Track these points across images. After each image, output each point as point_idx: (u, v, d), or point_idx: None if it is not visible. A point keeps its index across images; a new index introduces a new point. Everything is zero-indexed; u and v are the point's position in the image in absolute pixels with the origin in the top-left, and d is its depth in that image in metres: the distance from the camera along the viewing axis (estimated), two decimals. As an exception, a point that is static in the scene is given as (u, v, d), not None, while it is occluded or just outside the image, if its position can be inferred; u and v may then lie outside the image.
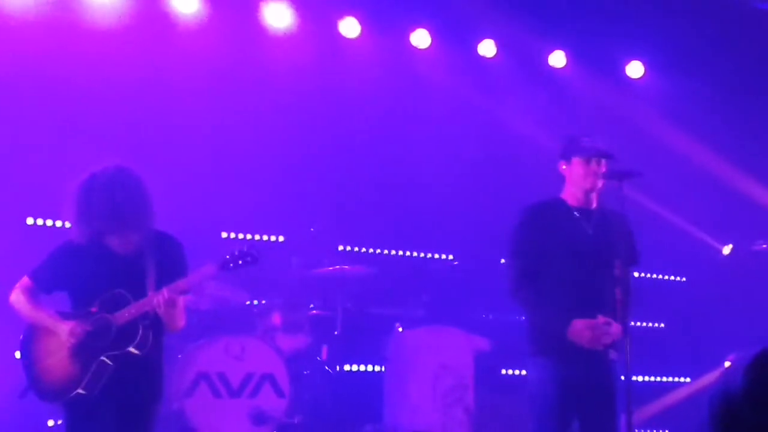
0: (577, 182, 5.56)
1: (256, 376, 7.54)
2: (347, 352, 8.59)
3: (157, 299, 5.09)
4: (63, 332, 5.17)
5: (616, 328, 5.30)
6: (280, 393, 7.56)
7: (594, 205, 5.61)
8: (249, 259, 5.30)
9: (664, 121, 9.89)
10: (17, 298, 5.33)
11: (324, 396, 8.08)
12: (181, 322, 5.27)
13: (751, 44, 9.59)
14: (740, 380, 1.59)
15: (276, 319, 8.00)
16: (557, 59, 9.92)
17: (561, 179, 5.68)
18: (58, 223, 7.96)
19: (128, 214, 5.18)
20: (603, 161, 5.54)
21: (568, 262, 5.42)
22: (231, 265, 5.29)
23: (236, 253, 5.30)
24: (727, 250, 10.58)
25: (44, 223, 8.00)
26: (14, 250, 7.25)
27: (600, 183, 5.52)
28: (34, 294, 5.32)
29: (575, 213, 5.57)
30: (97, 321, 5.16)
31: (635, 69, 10.23)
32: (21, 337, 5.33)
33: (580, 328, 5.29)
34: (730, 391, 1.60)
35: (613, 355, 5.36)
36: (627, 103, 9.89)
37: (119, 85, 8.11)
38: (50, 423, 7.40)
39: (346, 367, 8.88)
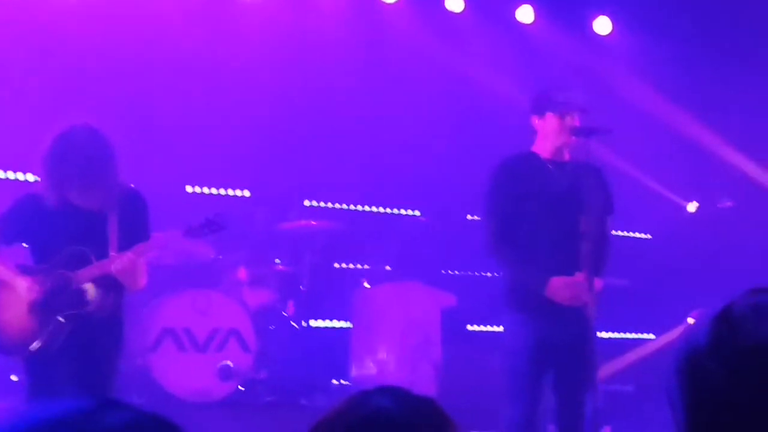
0: (551, 137, 5.53)
1: (222, 331, 7.52)
2: (313, 308, 8.59)
3: (119, 263, 5.05)
4: (21, 288, 5.12)
5: (597, 283, 5.33)
6: (246, 348, 7.55)
7: (566, 158, 5.59)
8: (215, 227, 5.30)
9: (632, 77, 9.88)
10: (-24, 249, 5.27)
11: (290, 351, 8.08)
12: (142, 281, 5.24)
13: None
14: (704, 333, 1.58)
15: (241, 273, 7.97)
16: (525, 14, 9.87)
17: (531, 133, 5.65)
18: (20, 176, 7.87)
19: (96, 171, 5.15)
20: (577, 115, 5.52)
21: (543, 215, 5.42)
22: (196, 233, 5.28)
23: (203, 221, 5.29)
24: (692, 207, 10.64)
25: (6, 176, 7.90)
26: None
27: (573, 138, 5.50)
28: (-7, 245, 5.27)
29: (548, 166, 5.56)
30: (57, 278, 5.11)
31: (603, 25, 10.20)
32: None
33: (558, 286, 5.29)
34: (694, 345, 1.60)
35: (591, 311, 5.38)
36: (595, 60, 9.87)
37: (83, 37, 7.98)
38: (14, 378, 7.35)
39: (312, 323, 8.88)
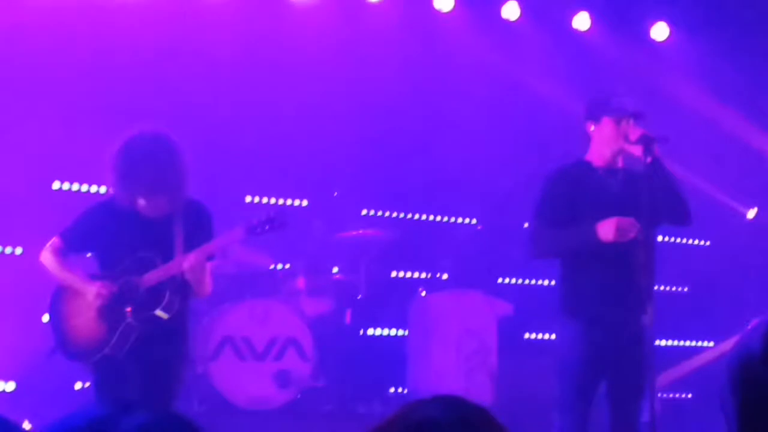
0: (607, 142, 5.50)
1: (280, 340, 7.59)
2: (370, 316, 8.63)
3: (186, 263, 5.13)
4: (90, 293, 5.23)
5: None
6: (304, 357, 7.61)
7: (620, 164, 5.57)
8: (276, 224, 5.34)
9: (690, 83, 9.81)
10: (47, 258, 5.38)
11: (348, 360, 8.13)
12: (208, 287, 5.31)
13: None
14: (758, 341, 1.60)
15: (300, 283, 8.04)
16: (581, 21, 9.84)
17: (586, 141, 5.63)
18: (84, 188, 8.02)
19: (167, 178, 5.22)
20: (632, 121, 5.48)
21: (593, 224, 5.38)
22: (258, 230, 5.32)
23: (263, 218, 5.33)
24: (751, 213, 10.52)
25: (70, 188, 8.05)
26: (41, 214, 7.31)
27: (628, 144, 5.44)
28: (63, 254, 5.38)
29: (601, 174, 5.52)
30: (124, 283, 5.21)
31: (660, 31, 10.14)
32: (50, 297, 5.40)
33: (607, 226, 5.24)
34: (748, 352, 1.61)
35: (646, 320, 5.35)
36: (652, 66, 9.82)
37: (145, 50, 8.10)
38: (78, 386, 7.48)
39: (370, 331, 8.92)
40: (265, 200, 8.94)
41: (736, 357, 1.62)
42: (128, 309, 5.19)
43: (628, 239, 5.25)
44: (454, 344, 8.13)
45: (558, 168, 5.62)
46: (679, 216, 5.54)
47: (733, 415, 1.62)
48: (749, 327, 6.19)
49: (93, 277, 5.31)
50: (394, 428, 1.86)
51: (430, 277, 9.18)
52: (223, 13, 8.60)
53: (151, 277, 5.19)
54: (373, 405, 7.98)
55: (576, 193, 5.47)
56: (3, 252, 7.80)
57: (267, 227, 5.32)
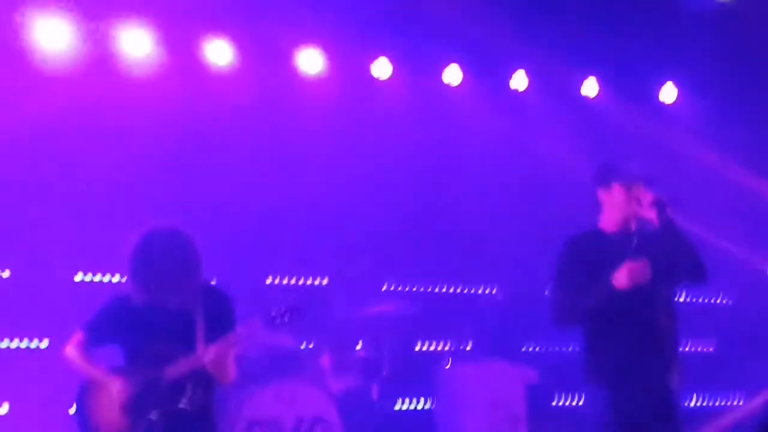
0: (619, 208, 5.53)
1: (307, 420, 7.56)
2: (397, 391, 8.61)
3: (207, 356, 5.15)
4: (113, 388, 5.24)
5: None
6: (332, 435, 7.59)
7: (633, 228, 5.60)
8: (295, 313, 5.31)
9: (701, 143, 9.86)
10: (71, 352, 5.41)
11: (376, 436, 8.10)
12: (231, 375, 5.31)
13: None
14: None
15: (324, 361, 8.04)
16: (590, 88, 9.96)
17: (596, 207, 5.66)
18: (106, 278, 8.09)
19: (181, 273, 5.26)
20: (642, 185, 5.52)
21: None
22: (278, 321, 5.30)
23: (283, 308, 5.32)
24: (772, 269, 10.50)
25: (92, 279, 8.13)
26: (65, 306, 7.38)
27: (641, 209, 5.48)
28: (87, 348, 5.40)
29: (615, 239, 5.54)
30: (147, 377, 5.22)
31: (668, 93, 10.24)
32: (76, 390, 5.42)
33: (621, 274, 5.23)
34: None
35: (674, 383, 5.33)
36: (662, 128, 9.89)
37: (160, 138, 8.21)
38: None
39: (397, 406, 8.88)
40: (285, 281, 8.97)
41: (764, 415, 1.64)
42: (151, 404, 5.18)
43: (643, 282, 5.25)
44: (482, 415, 8.10)
45: (572, 237, 5.63)
46: (696, 274, 5.54)
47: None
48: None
49: (116, 370, 5.33)
50: None
51: (454, 349, 9.17)
52: (237, 96, 8.72)
53: (173, 371, 5.19)
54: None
55: (592, 260, 5.47)
56: (29, 346, 7.85)
57: (286, 318, 5.31)
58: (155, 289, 5.26)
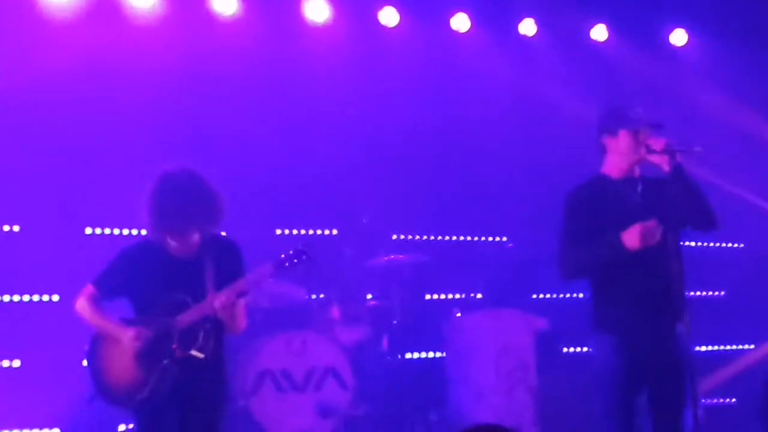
0: (626, 154, 5.49)
1: (318, 370, 7.61)
2: (407, 341, 8.63)
3: (217, 302, 5.17)
4: (126, 338, 5.28)
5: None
6: (343, 385, 7.63)
7: (638, 173, 5.56)
8: (305, 257, 5.36)
9: (712, 87, 9.78)
10: (82, 306, 5.44)
11: (388, 386, 8.13)
12: (242, 323, 5.35)
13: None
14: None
15: (335, 312, 8.06)
16: (599, 33, 9.87)
17: (600, 153, 5.60)
18: (116, 231, 8.09)
19: (202, 214, 5.28)
20: (649, 131, 5.47)
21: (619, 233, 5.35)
22: (287, 264, 5.35)
23: (291, 252, 5.36)
24: (783, 214, 10.45)
25: (102, 232, 8.13)
26: (74, 260, 7.39)
27: (647, 155, 5.43)
28: (97, 301, 5.43)
29: (620, 185, 5.51)
30: (159, 326, 5.25)
31: (678, 37, 10.14)
32: (88, 343, 5.45)
33: (632, 233, 5.21)
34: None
35: (681, 327, 5.33)
36: (673, 72, 9.81)
37: (165, 86, 8.17)
38: (121, 428, 7.53)
39: (408, 355, 8.92)
40: (294, 232, 8.97)
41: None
42: (165, 352, 5.22)
43: (654, 243, 5.23)
44: (492, 363, 8.12)
45: (576, 186, 5.59)
46: (705, 221, 5.50)
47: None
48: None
49: (127, 322, 5.36)
50: None
51: (464, 298, 9.17)
52: (246, 46, 8.67)
53: (185, 319, 5.23)
54: (416, 430, 7.97)
55: (598, 208, 5.45)
56: (41, 300, 7.88)
57: (296, 261, 5.35)
58: (171, 233, 5.25)
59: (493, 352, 8.14)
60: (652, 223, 5.25)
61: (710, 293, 10.29)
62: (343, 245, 8.58)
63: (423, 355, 9.16)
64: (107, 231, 8.14)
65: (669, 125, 5.56)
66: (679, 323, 5.32)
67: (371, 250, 8.44)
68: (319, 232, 9.08)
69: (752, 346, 9.77)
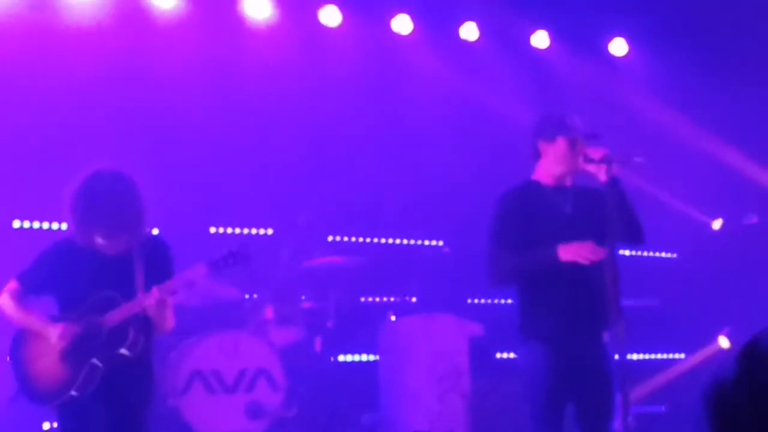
0: (560, 161, 5.46)
1: (250, 371, 7.52)
2: (341, 343, 8.58)
3: (147, 300, 5.09)
4: (53, 335, 5.16)
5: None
6: (275, 387, 7.55)
7: (569, 183, 5.54)
8: (239, 257, 5.30)
9: (650, 97, 9.87)
10: (5, 301, 5.31)
11: (320, 388, 8.07)
12: (170, 323, 5.27)
13: (736, 16, 9.55)
14: (731, 366, 1.58)
15: (268, 312, 7.98)
16: (540, 40, 9.90)
17: (533, 159, 5.57)
18: (45, 225, 7.93)
19: (125, 217, 5.18)
20: (586, 141, 5.46)
21: (549, 245, 5.32)
22: (221, 264, 5.28)
23: (226, 252, 5.29)
24: (717, 224, 10.59)
25: (30, 226, 7.97)
26: (1, 254, 7.21)
27: (582, 164, 5.42)
28: (21, 297, 5.30)
29: (551, 193, 5.48)
30: (87, 323, 5.15)
31: (619, 46, 10.22)
32: (11, 340, 5.31)
33: (569, 247, 5.21)
34: (721, 377, 1.59)
35: (606, 336, 5.33)
36: (612, 81, 9.87)
37: (101, 84, 8.05)
38: (46, 426, 7.38)
39: (341, 358, 8.87)
40: (229, 230, 8.88)
41: (710, 381, 1.60)
42: (92, 350, 5.12)
43: (587, 263, 5.22)
44: (425, 367, 8.09)
45: (507, 190, 5.56)
46: (632, 235, 5.51)
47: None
48: (720, 337, 6.21)
49: (54, 319, 5.24)
50: None
51: (400, 301, 9.14)
52: (183, 43, 8.57)
53: (114, 316, 5.13)
54: (347, 433, 7.93)
55: (527, 213, 5.41)
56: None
57: (230, 261, 5.28)
58: (96, 232, 5.16)
59: (427, 356, 8.11)
60: (589, 244, 5.23)
61: (644, 302, 10.38)
62: (278, 245, 8.50)
63: (356, 357, 9.11)
64: (36, 225, 7.97)
65: (606, 134, 5.56)
66: (607, 332, 5.32)
67: (307, 251, 8.37)
68: (254, 231, 9.00)
69: (683, 355, 9.87)
